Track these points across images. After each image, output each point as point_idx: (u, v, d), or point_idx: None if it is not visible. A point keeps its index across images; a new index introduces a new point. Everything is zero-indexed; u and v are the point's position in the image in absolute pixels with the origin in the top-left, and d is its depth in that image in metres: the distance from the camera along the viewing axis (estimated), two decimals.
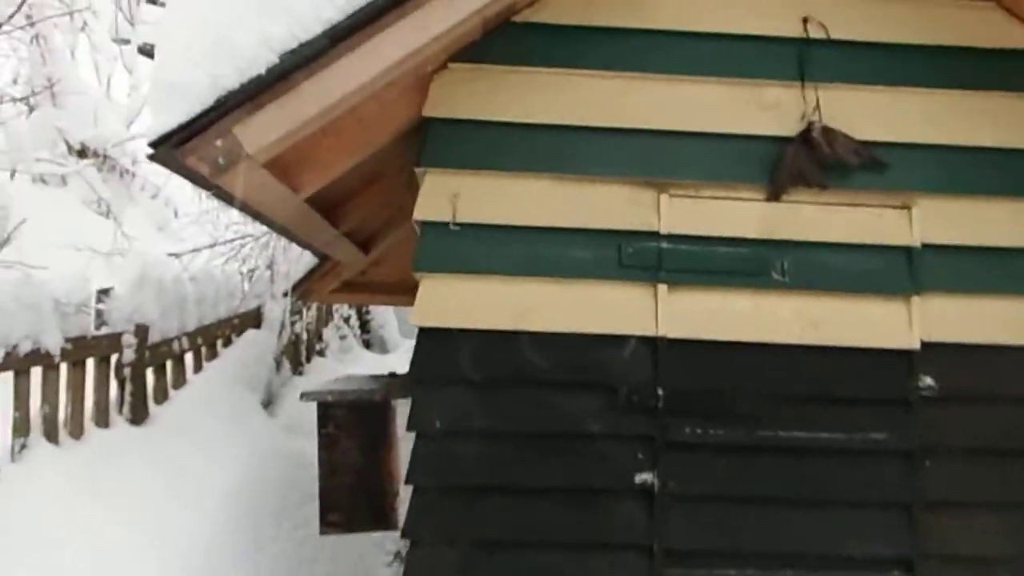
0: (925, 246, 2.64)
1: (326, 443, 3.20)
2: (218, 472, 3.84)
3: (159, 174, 5.87)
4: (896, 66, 2.69)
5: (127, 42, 6.01)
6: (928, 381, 2.61)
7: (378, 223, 4.26)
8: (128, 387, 3.85)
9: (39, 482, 3.04)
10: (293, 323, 5.19)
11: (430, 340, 2.57)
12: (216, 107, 1.98)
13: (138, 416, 3.93)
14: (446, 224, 2.58)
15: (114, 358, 3.79)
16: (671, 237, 2.62)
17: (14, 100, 5.65)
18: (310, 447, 4.59)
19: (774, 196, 2.65)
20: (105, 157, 5.43)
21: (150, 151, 2.00)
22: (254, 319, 5.01)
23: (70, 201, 5.60)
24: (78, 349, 3.53)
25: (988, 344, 2.64)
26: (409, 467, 2.55)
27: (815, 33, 2.66)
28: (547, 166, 2.61)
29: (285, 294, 5.08)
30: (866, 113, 2.67)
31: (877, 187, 2.66)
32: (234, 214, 5.78)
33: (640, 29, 2.64)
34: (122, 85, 6.41)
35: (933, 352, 2.61)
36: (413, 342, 2.64)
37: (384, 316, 9.75)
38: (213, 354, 4.62)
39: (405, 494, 2.62)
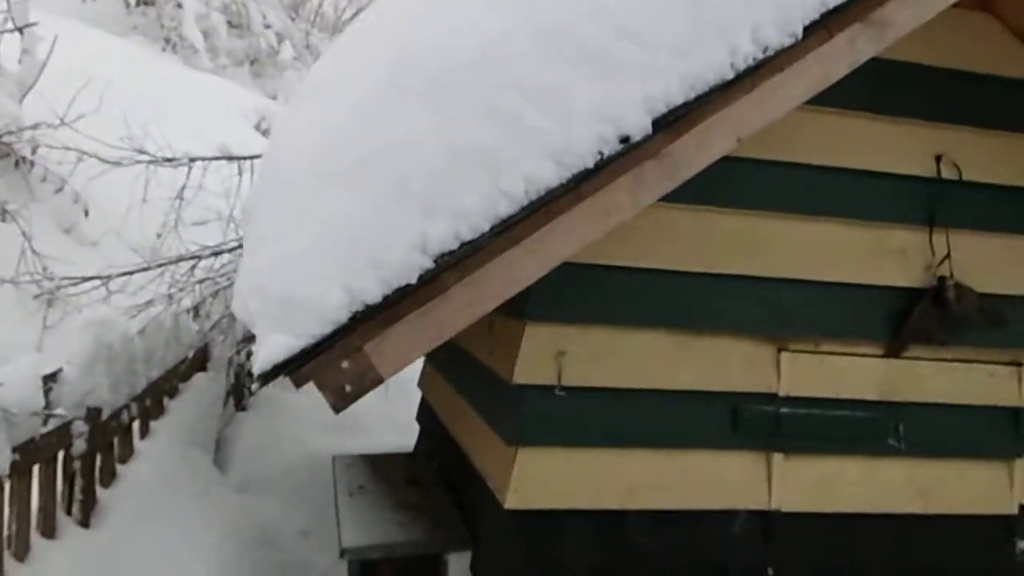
0: None
1: None
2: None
3: (66, 162, 4.92)
4: (1018, 211, 2.51)
5: None
6: (1023, 545, 2.53)
7: None
8: (78, 482, 3.23)
9: None
10: (239, 352, 4.55)
11: (529, 525, 2.20)
12: (350, 325, 1.49)
13: (87, 513, 3.31)
14: (550, 388, 2.19)
15: (61, 453, 3.15)
16: (790, 400, 2.35)
17: None
18: (273, 510, 4.11)
19: (894, 353, 2.42)
20: None
21: (259, 377, 1.49)
22: (200, 361, 4.37)
23: None
24: (25, 457, 2.89)
25: None
26: None
27: (947, 173, 2.42)
28: (662, 318, 2.26)
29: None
30: (990, 263, 2.47)
31: (990, 343, 2.49)
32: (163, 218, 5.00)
33: (765, 160, 2.30)
34: (11, 48, 5.21)
35: None
36: None
37: None
38: (160, 411, 3.99)
39: None
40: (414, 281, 1.51)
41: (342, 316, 1.48)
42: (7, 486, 2.96)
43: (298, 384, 1.52)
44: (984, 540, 2.51)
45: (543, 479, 2.19)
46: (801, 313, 2.35)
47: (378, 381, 1.56)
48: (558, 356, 2.19)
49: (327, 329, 1.47)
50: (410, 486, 3.13)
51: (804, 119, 2.23)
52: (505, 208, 1.53)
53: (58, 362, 3.27)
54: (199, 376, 4.46)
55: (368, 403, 1.93)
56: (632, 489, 2.24)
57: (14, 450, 2.87)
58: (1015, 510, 2.51)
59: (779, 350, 2.35)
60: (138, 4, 10.78)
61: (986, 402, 2.49)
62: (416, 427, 4.01)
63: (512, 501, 2.17)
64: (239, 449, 4.59)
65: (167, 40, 10.77)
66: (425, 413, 3.75)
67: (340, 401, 1.55)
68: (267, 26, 12.04)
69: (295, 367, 1.50)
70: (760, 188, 2.29)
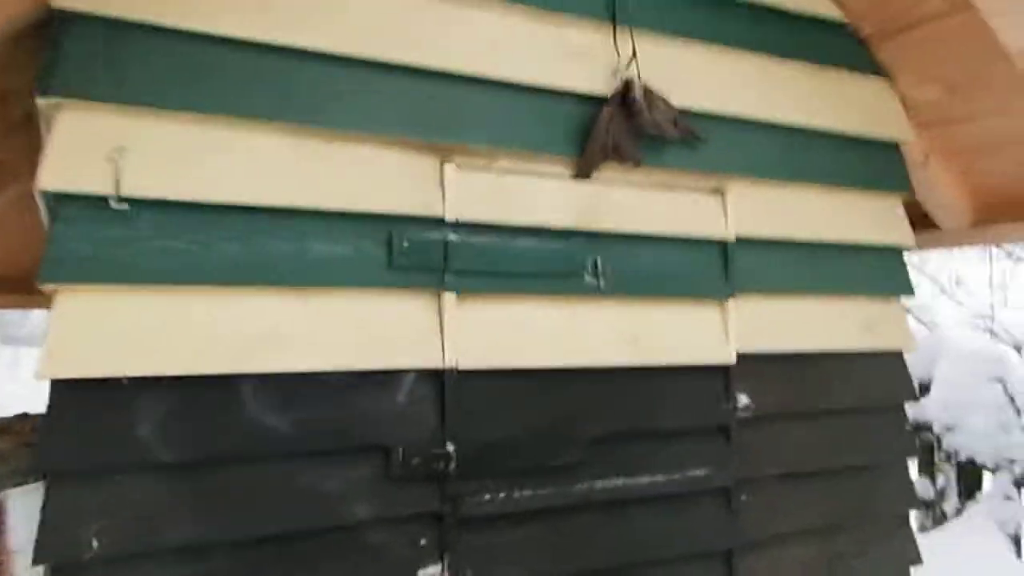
0: (740, 240, 2.21)
1: None
2: None
3: None
4: (713, 18, 2.21)
5: None
6: (744, 400, 2.19)
7: None
8: None
9: None
10: None
11: (78, 400, 1.48)
12: None
13: None
14: (102, 200, 1.50)
15: None
16: (460, 227, 1.84)
17: None
18: None
19: (585, 173, 2.00)
20: None
21: None
22: None
23: None
24: None
25: (798, 353, 2.30)
26: None
27: None
28: (273, 110, 1.66)
29: None
30: (680, 73, 2.14)
31: (691, 167, 2.15)
32: None
33: None
34: None
35: (748, 365, 2.20)
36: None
37: None
38: None
39: None
40: None
41: None
42: None
43: None
44: (701, 394, 2.14)
45: (98, 334, 1.48)
46: (469, 117, 1.86)
47: None
48: (115, 154, 1.50)
49: None
50: None
51: None
52: None
53: None
54: None
55: None
56: (247, 347, 1.60)
57: None
58: (733, 359, 2.17)
59: (442, 163, 1.83)
60: None
61: (691, 234, 2.15)
62: None
63: (49, 367, 1.44)
64: None
65: None
66: None
67: None
68: None
69: None
70: None
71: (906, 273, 2.59)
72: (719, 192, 2.21)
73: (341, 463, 1.68)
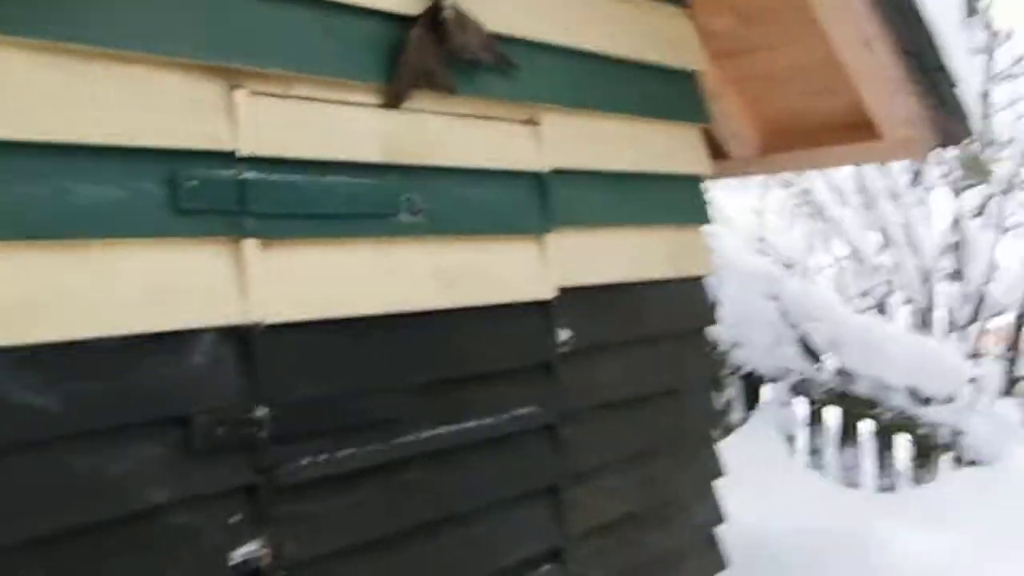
0: (555, 172, 2.16)
1: None
2: None
3: None
4: None
5: None
6: (565, 335, 2.17)
7: None
8: None
9: None
10: None
11: None
12: None
13: None
14: None
15: None
16: (257, 162, 1.61)
17: None
18: None
19: (395, 101, 1.83)
20: None
21: None
22: None
23: None
24: None
25: (613, 284, 2.32)
26: None
27: None
28: (20, 22, 1.33)
29: None
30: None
31: (506, 96, 2.05)
32: None
33: None
34: None
35: (567, 300, 2.17)
36: None
37: None
38: None
39: None
40: None
41: None
42: None
43: None
44: (523, 332, 2.09)
45: None
46: (261, 37, 1.62)
47: None
48: None
49: None
50: None
51: None
52: None
53: None
54: None
55: None
56: (7, 310, 1.31)
57: None
58: (552, 294, 2.13)
59: (232, 89, 1.58)
60: None
61: (507, 166, 2.06)
62: None
63: None
64: None
65: None
66: None
67: None
68: None
69: None
70: None
71: (705, 201, 2.68)
72: (533, 122, 2.12)
73: (129, 441, 1.45)
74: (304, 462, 1.66)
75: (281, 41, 1.65)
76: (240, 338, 1.58)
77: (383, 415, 1.79)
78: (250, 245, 1.59)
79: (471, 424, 1.95)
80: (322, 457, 1.68)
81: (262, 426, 1.60)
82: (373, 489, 1.78)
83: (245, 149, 1.58)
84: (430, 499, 1.87)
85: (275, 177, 1.63)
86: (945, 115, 2.60)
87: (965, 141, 2.72)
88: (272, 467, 1.61)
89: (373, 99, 1.80)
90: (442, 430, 1.90)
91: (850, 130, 2.79)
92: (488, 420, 1.99)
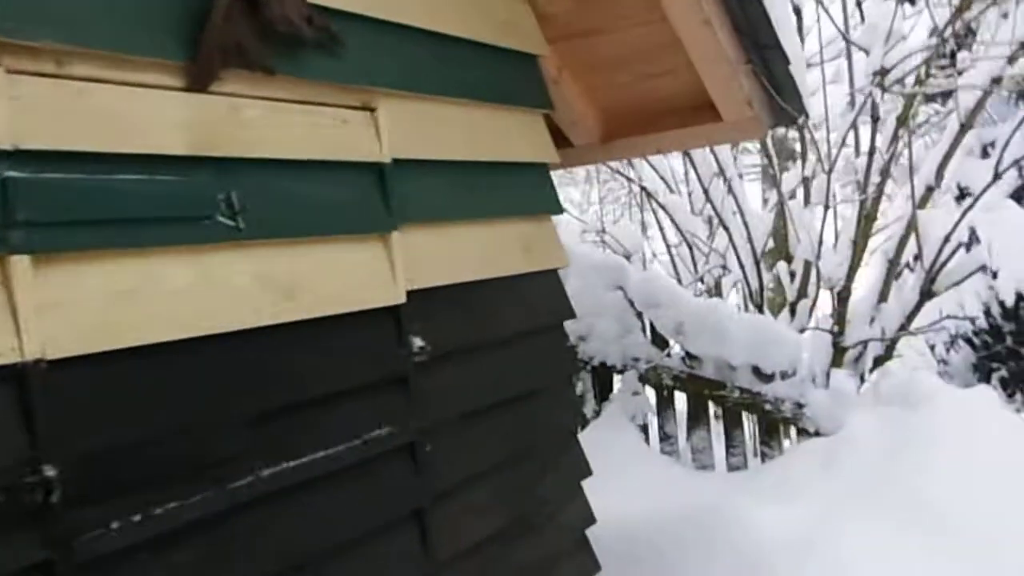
0: (396, 163, 1.94)
1: None
2: None
3: None
4: None
5: None
6: (419, 342, 1.96)
7: None
8: None
9: None
10: None
11: None
12: None
13: None
14: None
15: None
16: (22, 156, 1.28)
17: None
18: None
19: (201, 83, 1.54)
20: None
21: None
22: None
23: None
24: None
25: (467, 283, 2.13)
26: None
27: None
28: None
29: None
30: None
31: (335, 78, 1.81)
32: None
33: None
34: None
35: (418, 304, 1.96)
36: None
37: None
38: None
39: None
40: None
41: None
42: None
43: None
44: (372, 343, 1.86)
45: None
46: (22, 2, 1.29)
47: None
48: None
49: None
50: None
51: None
52: None
53: None
54: None
55: None
56: None
57: None
58: (402, 298, 1.91)
59: None
60: None
61: (343, 157, 1.82)
62: None
63: None
64: None
65: None
66: None
67: None
68: None
69: None
70: None
71: (554, 191, 2.56)
72: (369, 108, 1.90)
73: None
74: (113, 526, 1.34)
75: (51, 7, 1.33)
76: (15, 381, 1.25)
77: (210, 457, 1.50)
78: (19, 263, 1.25)
79: (318, 455, 1.70)
80: (135, 518, 1.37)
81: (52, 488, 1.27)
82: (206, 545, 1.48)
83: (5, 141, 1.25)
84: (275, 548, 1.60)
85: (47, 176, 1.31)
86: (780, 94, 2.62)
87: (800, 120, 2.76)
88: (70, 537, 1.29)
89: (174, 80, 1.51)
90: (286, 465, 1.63)
91: (692, 113, 2.76)
92: (338, 448, 1.74)
